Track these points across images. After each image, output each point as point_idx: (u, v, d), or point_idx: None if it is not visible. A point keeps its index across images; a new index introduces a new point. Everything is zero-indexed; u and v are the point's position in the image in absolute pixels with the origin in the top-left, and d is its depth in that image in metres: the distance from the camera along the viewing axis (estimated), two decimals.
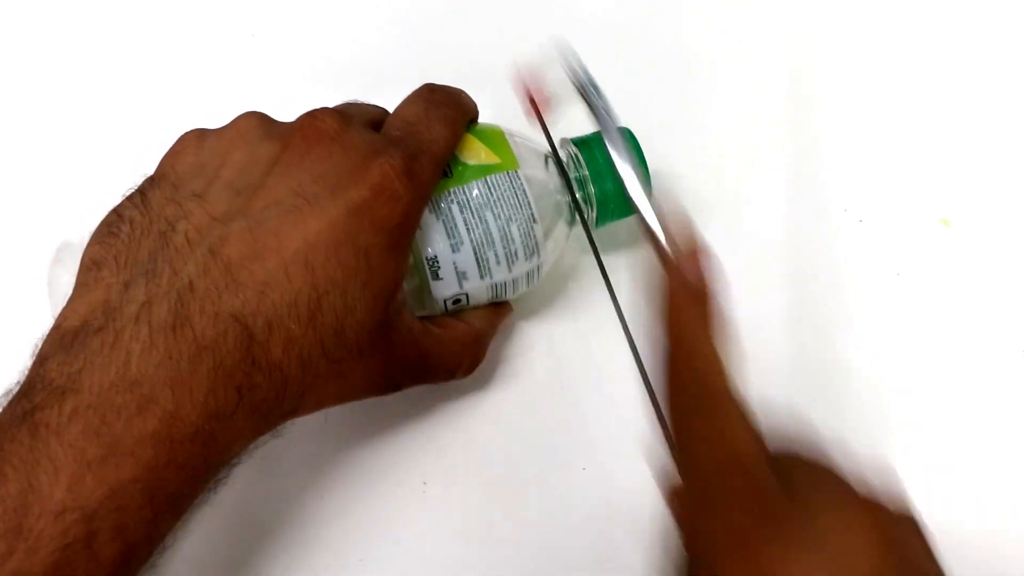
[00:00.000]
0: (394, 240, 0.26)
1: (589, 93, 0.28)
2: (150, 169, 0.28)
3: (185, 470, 0.23)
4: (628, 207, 0.34)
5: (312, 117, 0.27)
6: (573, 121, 0.31)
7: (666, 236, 0.25)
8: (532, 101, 0.31)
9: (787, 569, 0.20)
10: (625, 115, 0.39)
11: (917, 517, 0.22)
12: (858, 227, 0.38)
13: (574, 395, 0.34)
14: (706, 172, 0.38)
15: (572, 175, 0.32)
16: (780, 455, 0.22)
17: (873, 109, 0.41)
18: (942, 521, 0.33)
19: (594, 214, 0.33)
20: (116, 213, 0.26)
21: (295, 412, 0.26)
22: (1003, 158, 0.39)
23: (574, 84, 0.29)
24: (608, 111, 0.28)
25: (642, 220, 0.25)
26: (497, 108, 0.33)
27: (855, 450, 0.22)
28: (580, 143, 0.33)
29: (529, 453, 0.34)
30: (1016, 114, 0.40)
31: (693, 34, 0.43)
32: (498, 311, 0.33)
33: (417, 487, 0.33)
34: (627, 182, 0.27)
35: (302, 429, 0.33)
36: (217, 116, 0.29)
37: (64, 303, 0.25)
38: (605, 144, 0.33)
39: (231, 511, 0.32)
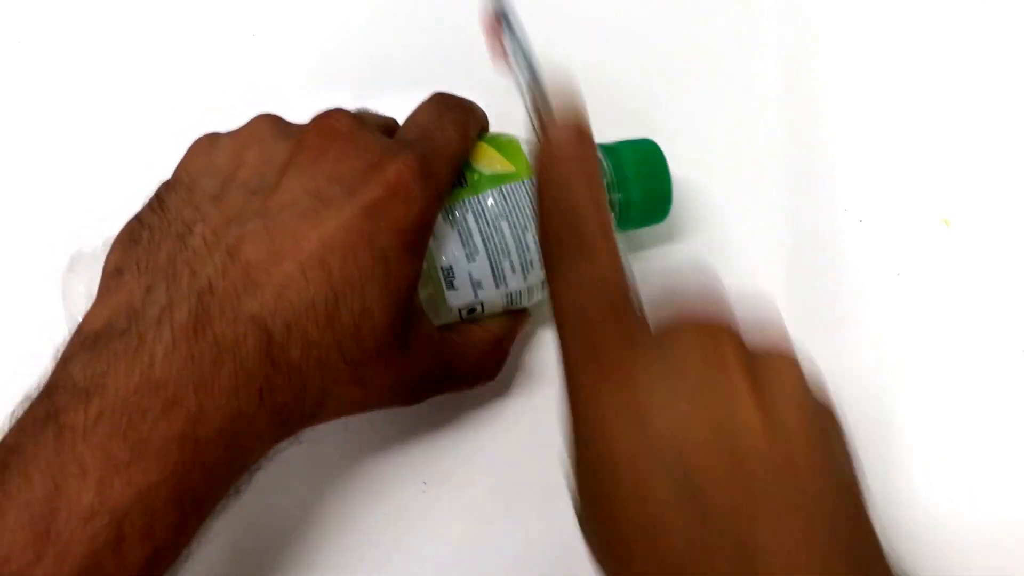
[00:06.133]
0: (410, 241, 0.26)
1: (507, 24, 0.28)
2: (156, 171, 0.28)
3: (210, 472, 0.23)
4: (651, 215, 0.34)
5: (327, 117, 0.27)
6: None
7: (550, 102, 0.25)
8: (497, 39, 0.30)
9: (636, 381, 0.20)
10: (624, 116, 0.39)
11: (793, 354, 0.22)
12: (858, 227, 0.38)
13: None
14: (705, 172, 0.38)
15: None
16: (664, 304, 0.22)
17: (873, 109, 0.41)
18: (943, 520, 0.33)
19: (615, 217, 0.33)
20: (137, 220, 0.26)
21: (315, 417, 0.26)
22: (1003, 158, 0.39)
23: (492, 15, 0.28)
24: (523, 42, 0.28)
25: (530, 83, 0.26)
26: (499, 108, 0.33)
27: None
28: (607, 149, 0.33)
29: (531, 455, 0.33)
30: (1016, 114, 0.40)
31: (692, 34, 0.43)
32: (516, 316, 0.32)
33: (417, 487, 0.33)
34: (520, 42, 0.27)
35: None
36: (218, 116, 0.29)
37: (78, 312, 0.25)
38: (632, 151, 0.33)
39: (230, 511, 0.32)
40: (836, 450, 0.21)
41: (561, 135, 0.23)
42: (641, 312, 0.22)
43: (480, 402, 0.34)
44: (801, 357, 0.21)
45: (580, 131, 0.23)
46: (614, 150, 0.33)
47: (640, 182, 0.33)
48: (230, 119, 0.29)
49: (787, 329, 0.22)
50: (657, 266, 0.37)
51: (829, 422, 0.21)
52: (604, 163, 0.33)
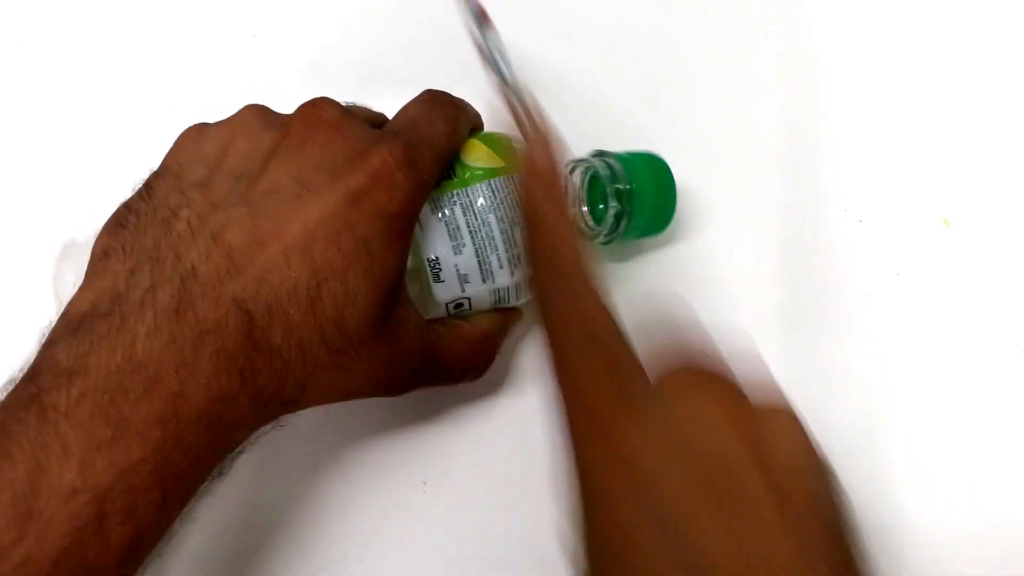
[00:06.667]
0: (394, 229, 0.26)
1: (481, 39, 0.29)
2: (154, 166, 0.28)
3: (192, 452, 0.23)
4: (655, 226, 0.35)
5: (312, 106, 0.27)
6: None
7: (521, 122, 0.26)
8: (481, 13, 0.30)
9: (634, 444, 0.20)
10: (624, 115, 0.39)
11: (794, 411, 0.22)
12: (858, 227, 0.38)
13: None
14: (705, 172, 0.38)
15: (610, 188, 0.33)
16: (660, 354, 0.22)
17: (873, 109, 0.41)
18: (942, 521, 0.33)
19: (624, 224, 0.33)
20: (124, 206, 0.27)
21: (298, 402, 0.26)
22: (1003, 158, 0.39)
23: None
24: (499, 51, 0.29)
25: (507, 104, 0.27)
26: (495, 110, 0.33)
27: (846, 443, 0.22)
28: (622, 159, 0.33)
29: (530, 453, 0.34)
30: (1016, 114, 0.40)
31: (691, 34, 0.43)
32: (507, 314, 0.32)
33: (417, 487, 0.33)
34: (500, 64, 0.28)
35: (301, 428, 0.34)
36: (218, 116, 0.29)
37: (67, 300, 0.25)
38: (645, 161, 0.33)
39: (230, 510, 0.32)
40: (833, 509, 0.21)
41: (531, 147, 0.24)
42: (634, 352, 0.22)
43: (478, 400, 0.34)
44: (797, 413, 0.21)
45: (546, 144, 0.24)
46: (629, 160, 0.33)
47: (646, 195, 0.33)
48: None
49: (779, 385, 0.22)
50: (654, 270, 0.37)
51: (825, 479, 0.21)
52: (616, 171, 0.33)
